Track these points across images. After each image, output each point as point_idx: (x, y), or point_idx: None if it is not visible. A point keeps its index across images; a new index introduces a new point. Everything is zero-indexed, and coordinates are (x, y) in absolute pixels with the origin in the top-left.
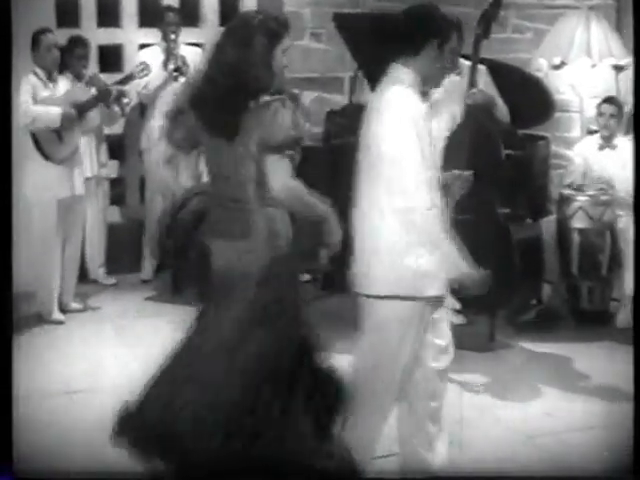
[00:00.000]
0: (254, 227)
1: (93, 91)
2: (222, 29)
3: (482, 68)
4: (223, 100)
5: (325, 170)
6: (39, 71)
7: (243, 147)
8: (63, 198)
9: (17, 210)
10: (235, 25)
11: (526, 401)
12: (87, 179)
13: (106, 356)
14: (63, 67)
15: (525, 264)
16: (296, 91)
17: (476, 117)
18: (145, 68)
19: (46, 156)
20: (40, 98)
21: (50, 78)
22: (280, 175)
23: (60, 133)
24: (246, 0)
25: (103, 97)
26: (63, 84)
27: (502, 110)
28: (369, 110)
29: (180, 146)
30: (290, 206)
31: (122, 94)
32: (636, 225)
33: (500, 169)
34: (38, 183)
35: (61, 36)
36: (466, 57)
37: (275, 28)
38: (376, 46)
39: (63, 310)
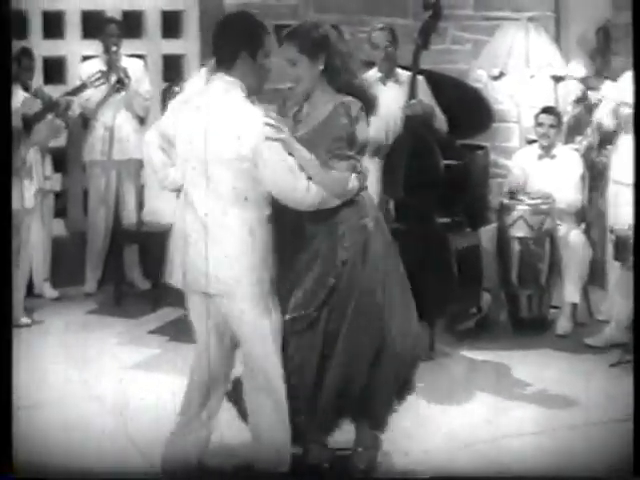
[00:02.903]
0: None
1: (39, 103)
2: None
3: (421, 79)
4: None
5: None
6: None
7: None
8: (13, 211)
9: None
10: None
11: (465, 408)
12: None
13: (50, 370)
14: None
15: (464, 273)
16: None
17: (414, 127)
18: (101, 77)
19: None
20: None
21: None
22: None
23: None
24: (189, 12)
25: (52, 108)
26: (20, 97)
27: (440, 119)
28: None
29: None
30: None
31: (69, 106)
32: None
33: (438, 179)
34: None
35: None
36: (405, 68)
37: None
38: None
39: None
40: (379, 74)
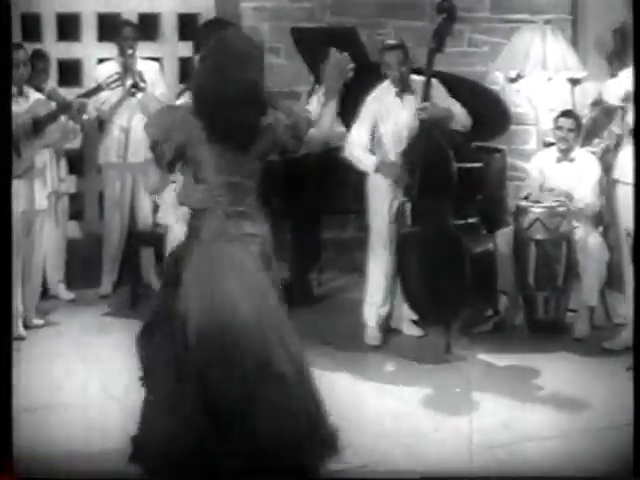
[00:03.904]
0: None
1: (51, 105)
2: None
3: (435, 82)
4: None
5: (282, 183)
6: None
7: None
8: (23, 212)
9: None
10: None
11: (482, 412)
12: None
13: (65, 372)
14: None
15: (481, 275)
16: None
17: (429, 130)
18: (118, 79)
19: None
20: None
21: (20, 93)
22: None
23: (18, 148)
24: (205, 15)
25: (64, 110)
26: (33, 99)
27: (461, 116)
28: None
29: None
30: None
31: (83, 108)
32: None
33: (452, 181)
34: None
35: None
36: (420, 70)
37: None
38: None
39: (25, 326)
40: (394, 89)
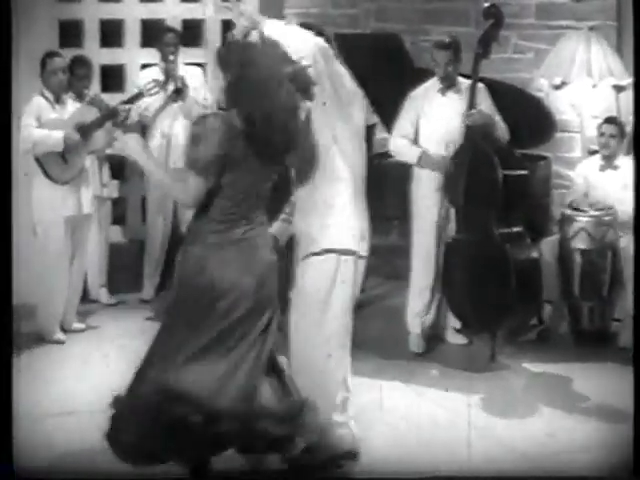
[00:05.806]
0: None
1: (95, 111)
2: None
3: (481, 87)
4: None
5: None
6: (47, 93)
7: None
8: (69, 217)
9: (17, 228)
10: None
11: (527, 421)
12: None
13: (106, 376)
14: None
15: (525, 284)
16: None
17: (475, 138)
18: (156, 85)
19: (50, 178)
20: (46, 120)
21: (58, 100)
22: None
23: (64, 155)
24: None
25: (110, 116)
26: (71, 106)
27: (501, 128)
28: None
29: None
30: None
31: (127, 114)
32: (636, 244)
33: (498, 189)
34: (43, 201)
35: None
36: (466, 76)
37: None
38: (376, 66)
39: (64, 330)
40: (439, 85)
